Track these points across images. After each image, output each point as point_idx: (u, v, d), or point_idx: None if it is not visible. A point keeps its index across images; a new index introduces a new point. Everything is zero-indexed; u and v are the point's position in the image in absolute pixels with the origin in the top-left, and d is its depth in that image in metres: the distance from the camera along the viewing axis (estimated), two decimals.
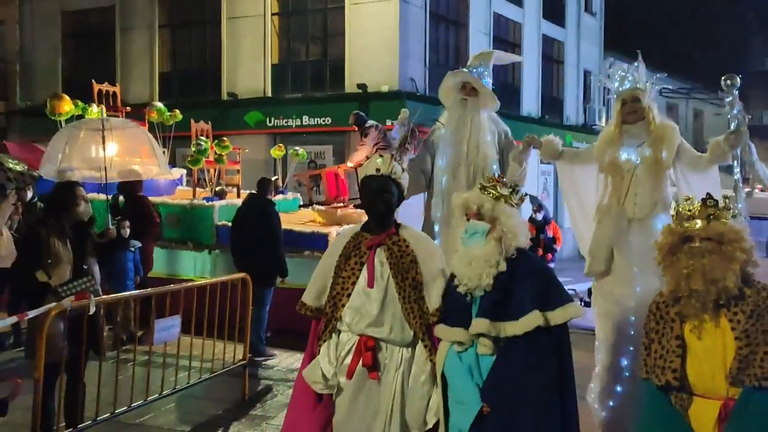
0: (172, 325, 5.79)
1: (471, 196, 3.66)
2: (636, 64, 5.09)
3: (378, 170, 3.85)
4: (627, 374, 4.91)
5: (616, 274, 5.01)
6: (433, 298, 3.75)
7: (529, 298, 3.46)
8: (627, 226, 4.97)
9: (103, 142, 7.05)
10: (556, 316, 3.46)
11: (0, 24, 24.44)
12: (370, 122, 11.34)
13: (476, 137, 5.65)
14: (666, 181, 5.01)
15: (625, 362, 4.92)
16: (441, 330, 3.64)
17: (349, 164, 11.70)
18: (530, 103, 24.82)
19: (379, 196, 3.83)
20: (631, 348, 4.85)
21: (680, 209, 3.39)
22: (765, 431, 3.13)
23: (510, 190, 3.66)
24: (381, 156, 3.96)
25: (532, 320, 3.41)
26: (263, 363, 8.26)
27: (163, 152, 10.92)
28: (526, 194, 3.91)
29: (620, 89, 5.06)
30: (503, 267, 3.49)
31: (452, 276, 3.66)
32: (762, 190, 5.94)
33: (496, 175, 3.94)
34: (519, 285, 3.49)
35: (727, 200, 3.38)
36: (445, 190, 5.63)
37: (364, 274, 3.79)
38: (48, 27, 23.52)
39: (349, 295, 3.78)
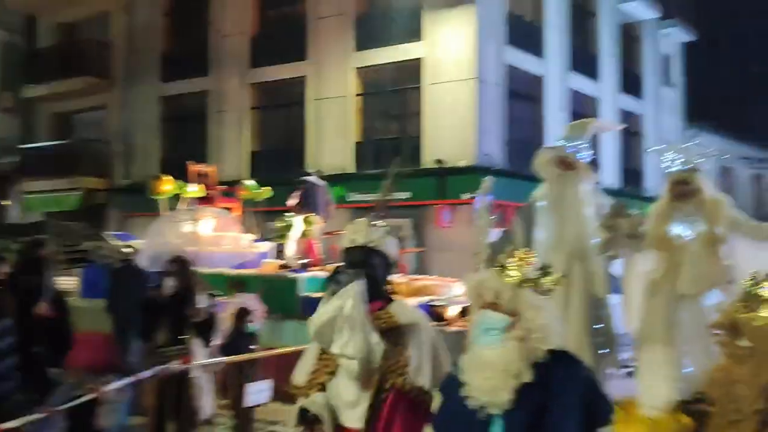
0: None
1: (486, 279, 2.81)
2: (689, 143, 5.12)
3: (353, 241, 3.40)
4: None
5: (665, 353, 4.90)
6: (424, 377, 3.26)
7: (572, 419, 2.70)
8: (677, 303, 4.91)
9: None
10: None
11: (103, 108, 26.29)
12: None
13: (576, 213, 5.41)
14: (721, 256, 4.91)
15: None
16: None
17: None
18: (609, 174, 24.87)
19: (361, 271, 3.32)
20: None
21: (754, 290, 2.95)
22: None
23: (541, 271, 2.81)
24: (355, 222, 3.52)
25: None
26: None
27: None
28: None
29: (669, 170, 5.08)
30: (528, 377, 2.66)
31: (453, 382, 2.82)
32: None
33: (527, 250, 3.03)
34: (556, 399, 2.69)
35: None
36: None
37: None
38: (146, 111, 25.13)
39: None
